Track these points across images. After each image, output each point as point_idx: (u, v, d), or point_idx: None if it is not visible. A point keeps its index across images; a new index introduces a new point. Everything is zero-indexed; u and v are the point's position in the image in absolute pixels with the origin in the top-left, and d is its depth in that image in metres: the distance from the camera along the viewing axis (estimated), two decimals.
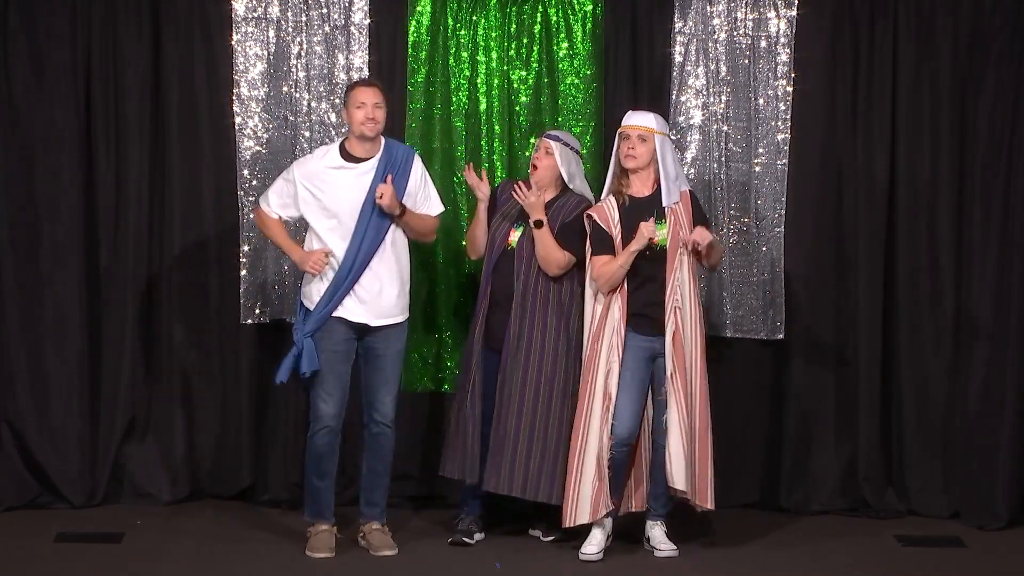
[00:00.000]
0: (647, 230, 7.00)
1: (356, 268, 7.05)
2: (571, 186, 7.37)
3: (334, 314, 7.07)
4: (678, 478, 7.06)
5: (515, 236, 7.30)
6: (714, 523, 7.60)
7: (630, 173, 7.15)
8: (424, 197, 7.27)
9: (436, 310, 7.99)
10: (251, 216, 7.87)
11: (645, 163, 7.13)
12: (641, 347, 7.11)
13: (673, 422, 7.07)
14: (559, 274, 7.24)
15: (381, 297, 7.11)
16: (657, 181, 7.16)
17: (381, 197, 6.99)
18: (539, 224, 7.18)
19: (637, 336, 7.10)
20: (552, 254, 7.21)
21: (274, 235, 7.26)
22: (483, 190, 7.40)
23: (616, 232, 7.10)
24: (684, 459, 7.05)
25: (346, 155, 7.14)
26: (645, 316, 7.09)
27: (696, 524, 7.47)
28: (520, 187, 7.21)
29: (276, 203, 7.19)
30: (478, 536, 7.43)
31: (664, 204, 7.11)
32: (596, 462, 7.07)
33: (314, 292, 7.11)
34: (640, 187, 7.16)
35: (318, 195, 7.09)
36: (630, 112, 7.28)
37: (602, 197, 7.27)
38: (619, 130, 7.22)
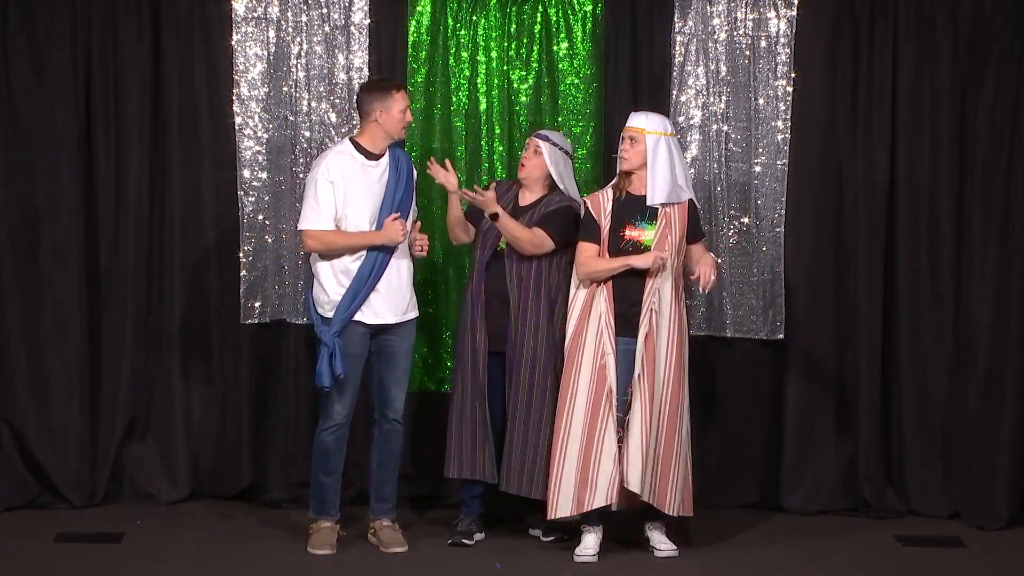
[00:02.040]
0: (660, 260, 6.98)
1: (378, 267, 7.05)
2: (560, 187, 7.36)
3: (355, 318, 7.07)
4: (633, 480, 7.01)
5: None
6: (715, 523, 7.60)
7: (632, 173, 7.15)
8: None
9: (436, 310, 7.99)
10: (252, 216, 7.91)
11: (637, 164, 7.11)
12: (621, 351, 7.09)
13: (635, 424, 7.03)
14: (535, 252, 7.22)
15: (400, 293, 7.13)
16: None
17: (423, 250, 7.16)
18: (495, 216, 7.18)
19: (617, 339, 7.08)
20: (517, 234, 7.18)
21: (340, 242, 7.05)
22: (451, 180, 7.33)
23: (605, 223, 7.10)
24: (642, 462, 7.00)
25: (362, 151, 7.13)
26: (623, 318, 7.07)
27: (696, 524, 7.47)
28: (475, 189, 7.21)
29: (328, 215, 7.04)
30: (478, 536, 7.43)
31: (648, 203, 7.08)
32: (588, 450, 7.06)
33: (331, 296, 7.07)
34: (639, 186, 7.16)
35: (346, 190, 7.06)
36: (632, 113, 7.28)
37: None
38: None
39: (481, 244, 7.34)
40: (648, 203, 7.08)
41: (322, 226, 7.04)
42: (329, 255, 7.08)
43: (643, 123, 7.12)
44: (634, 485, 7.02)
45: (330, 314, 7.05)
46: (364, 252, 7.04)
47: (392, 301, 7.12)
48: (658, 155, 7.09)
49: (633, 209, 7.10)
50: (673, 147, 7.15)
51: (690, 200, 7.19)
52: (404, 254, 7.15)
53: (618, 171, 7.20)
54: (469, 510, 7.45)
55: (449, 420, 7.41)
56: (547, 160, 7.30)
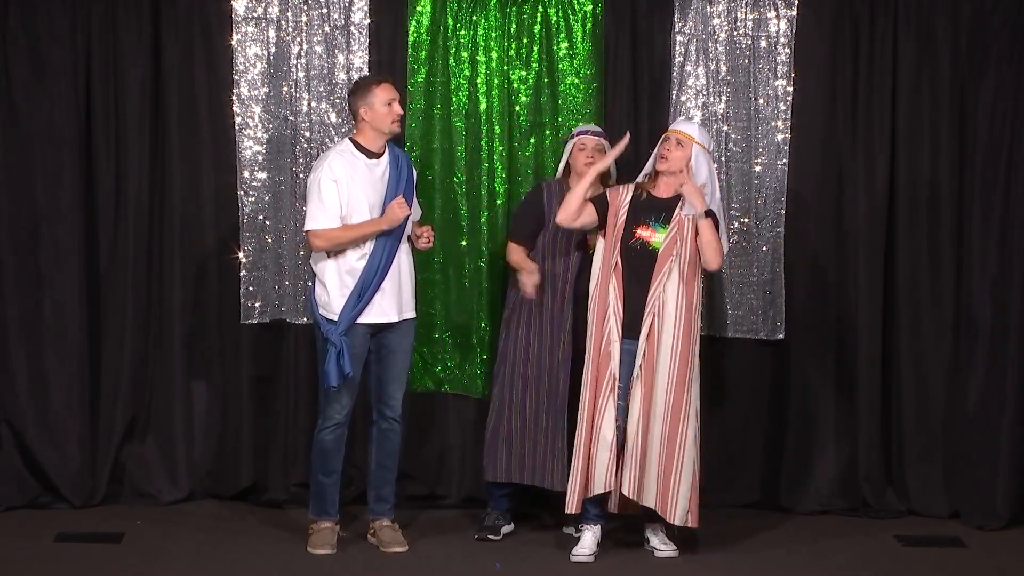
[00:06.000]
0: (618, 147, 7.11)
1: (383, 266, 7.06)
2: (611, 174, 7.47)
3: (360, 320, 7.06)
4: (624, 482, 7.05)
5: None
6: (715, 523, 7.60)
7: (660, 175, 7.16)
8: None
9: (436, 310, 7.99)
10: (252, 216, 7.91)
11: (677, 168, 7.12)
12: (626, 351, 7.10)
13: (630, 425, 7.06)
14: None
15: (401, 292, 7.15)
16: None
17: (429, 241, 7.18)
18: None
19: (623, 340, 7.09)
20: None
21: (347, 236, 7.02)
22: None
23: (621, 217, 7.11)
24: (632, 464, 7.02)
25: (363, 150, 7.13)
26: (627, 318, 7.08)
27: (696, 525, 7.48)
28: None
29: (333, 213, 7.01)
30: (506, 529, 7.47)
31: (684, 214, 7.09)
32: (589, 438, 7.07)
33: (337, 297, 7.06)
34: (664, 190, 7.16)
35: (349, 189, 7.06)
36: (679, 119, 7.29)
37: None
38: (664, 133, 7.23)
39: (564, 247, 7.37)
40: (684, 214, 7.09)
41: (328, 224, 7.02)
42: (336, 253, 7.07)
43: (693, 131, 7.17)
44: (624, 488, 7.04)
45: (335, 315, 7.05)
46: (368, 252, 7.04)
47: (395, 299, 7.13)
48: (700, 166, 7.12)
49: (650, 210, 7.12)
50: (713, 165, 7.19)
51: (710, 212, 7.15)
52: (404, 254, 7.16)
53: (646, 171, 7.21)
54: (497, 505, 7.46)
55: (524, 424, 7.42)
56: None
